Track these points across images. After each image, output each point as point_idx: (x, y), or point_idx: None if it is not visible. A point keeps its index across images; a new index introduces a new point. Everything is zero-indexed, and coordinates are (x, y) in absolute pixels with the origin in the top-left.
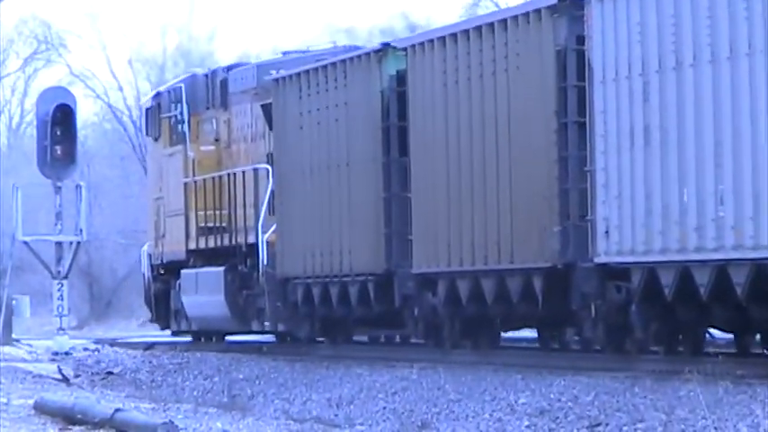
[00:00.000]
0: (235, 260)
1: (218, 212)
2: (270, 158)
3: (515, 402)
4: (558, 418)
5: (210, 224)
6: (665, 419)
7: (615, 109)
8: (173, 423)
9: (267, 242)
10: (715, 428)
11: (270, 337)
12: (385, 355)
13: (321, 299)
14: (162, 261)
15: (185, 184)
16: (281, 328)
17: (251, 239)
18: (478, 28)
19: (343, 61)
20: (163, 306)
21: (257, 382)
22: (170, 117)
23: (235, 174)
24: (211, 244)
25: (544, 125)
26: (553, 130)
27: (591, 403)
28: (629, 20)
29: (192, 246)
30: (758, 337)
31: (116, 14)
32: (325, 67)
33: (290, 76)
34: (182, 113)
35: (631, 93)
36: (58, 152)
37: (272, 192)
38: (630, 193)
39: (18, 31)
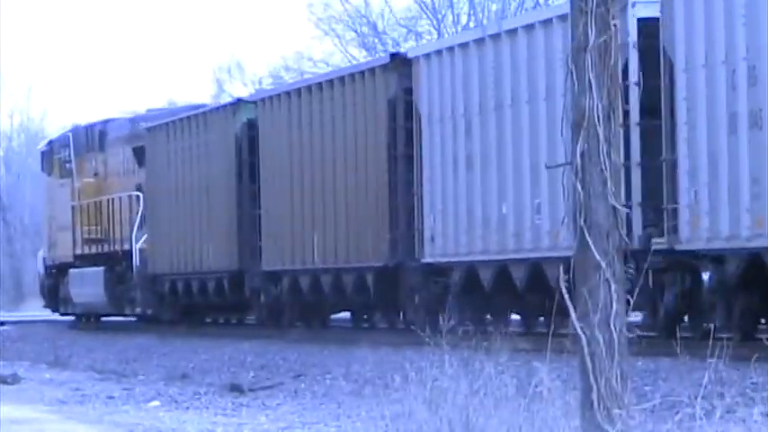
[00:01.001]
0: (112, 262)
1: (98, 227)
2: (139, 187)
3: (245, 360)
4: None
5: (93, 236)
6: (345, 371)
7: (440, 143)
8: (16, 374)
9: (139, 249)
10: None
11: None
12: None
13: (184, 290)
14: (54, 263)
15: (72, 206)
16: (148, 312)
17: (126, 247)
18: (319, 84)
19: (204, 113)
20: (53, 295)
21: (73, 346)
22: (59, 157)
23: (113, 199)
24: (94, 251)
25: (377, 157)
26: (384, 160)
27: (296, 360)
28: (453, 71)
29: (78, 252)
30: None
31: None
32: (188, 117)
33: (160, 125)
34: (69, 155)
35: (455, 129)
36: None
37: (143, 211)
38: (454, 209)
39: None
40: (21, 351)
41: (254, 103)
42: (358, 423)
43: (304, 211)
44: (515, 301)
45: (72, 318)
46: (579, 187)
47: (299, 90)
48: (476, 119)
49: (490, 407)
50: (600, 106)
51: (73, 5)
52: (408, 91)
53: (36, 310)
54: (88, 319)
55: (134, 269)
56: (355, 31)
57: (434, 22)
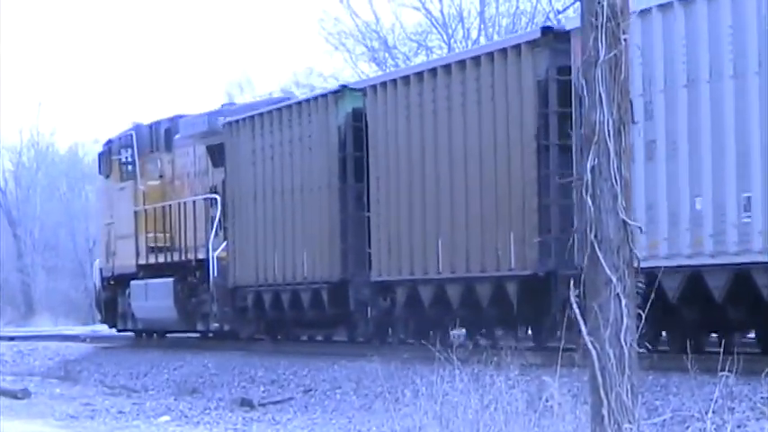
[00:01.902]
0: (183, 273)
1: (165, 234)
2: (214, 189)
3: (255, 375)
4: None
5: (160, 244)
6: (356, 386)
7: None
8: (27, 389)
9: (217, 258)
10: (388, 392)
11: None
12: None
13: (271, 304)
14: (113, 274)
15: (135, 212)
16: (225, 328)
17: (200, 255)
18: (446, 66)
19: (300, 103)
20: (111, 310)
21: (83, 362)
22: (119, 159)
23: (184, 203)
24: (161, 260)
25: (521, 149)
26: (533, 151)
27: (306, 375)
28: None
29: (142, 261)
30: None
31: None
32: (279, 109)
33: (243, 120)
34: (131, 155)
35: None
36: None
37: (221, 216)
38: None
39: None
40: (31, 366)
41: (362, 90)
42: None
43: (426, 214)
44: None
45: (130, 334)
46: (590, 202)
47: (419, 74)
48: (659, 97)
49: (501, 422)
50: (611, 121)
51: (83, 21)
52: (563, 70)
53: (46, 325)
54: (150, 336)
55: (210, 280)
56: (366, 46)
57: (444, 36)
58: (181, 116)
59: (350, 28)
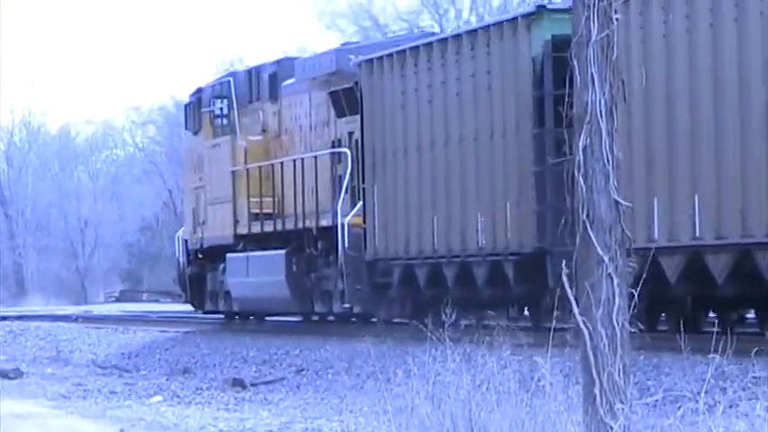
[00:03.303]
0: (298, 243)
1: (275, 198)
2: (335, 144)
3: (247, 355)
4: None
5: (267, 210)
6: (347, 366)
7: None
8: (18, 369)
9: (347, 225)
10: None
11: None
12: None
13: (428, 280)
14: (201, 246)
15: (233, 172)
16: (356, 309)
17: (324, 223)
18: None
19: (475, 31)
20: (198, 288)
21: (74, 341)
22: (211, 111)
23: (302, 159)
24: (268, 228)
25: None
26: None
27: (298, 355)
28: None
29: (243, 231)
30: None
31: None
32: (442, 41)
33: (390, 56)
34: (230, 106)
35: None
36: None
37: (350, 174)
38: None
39: None
40: (23, 346)
41: (566, 11)
42: (360, 418)
43: (675, 162)
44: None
45: (221, 317)
46: (582, 182)
47: None
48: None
49: (492, 402)
50: (603, 101)
51: (75, 1)
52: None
53: (37, 305)
54: (245, 318)
55: (339, 252)
56: (358, 25)
57: (436, 16)
58: (290, 58)
59: (342, 7)
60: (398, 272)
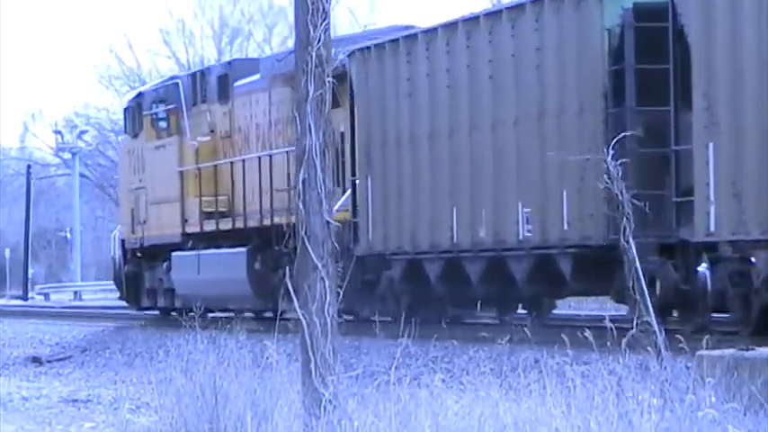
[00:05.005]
0: (259, 241)
1: (232, 197)
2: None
3: (43, 338)
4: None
5: (222, 208)
6: (121, 347)
7: None
8: None
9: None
10: (146, 352)
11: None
12: None
13: (443, 277)
14: (141, 245)
15: (181, 172)
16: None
17: (279, 220)
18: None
19: (517, 6)
20: (135, 286)
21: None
22: (154, 114)
23: (270, 157)
24: (225, 226)
25: None
26: None
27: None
28: None
29: (193, 229)
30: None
31: None
32: (473, 19)
33: (394, 41)
34: (178, 109)
35: None
36: None
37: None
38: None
39: None
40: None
41: None
42: (131, 387)
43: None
44: None
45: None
46: (301, 206)
47: None
48: None
49: (232, 375)
50: (318, 144)
51: None
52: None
53: None
54: (182, 314)
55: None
56: (130, 86)
57: None
58: (242, 59)
59: (118, 72)
60: (401, 267)
